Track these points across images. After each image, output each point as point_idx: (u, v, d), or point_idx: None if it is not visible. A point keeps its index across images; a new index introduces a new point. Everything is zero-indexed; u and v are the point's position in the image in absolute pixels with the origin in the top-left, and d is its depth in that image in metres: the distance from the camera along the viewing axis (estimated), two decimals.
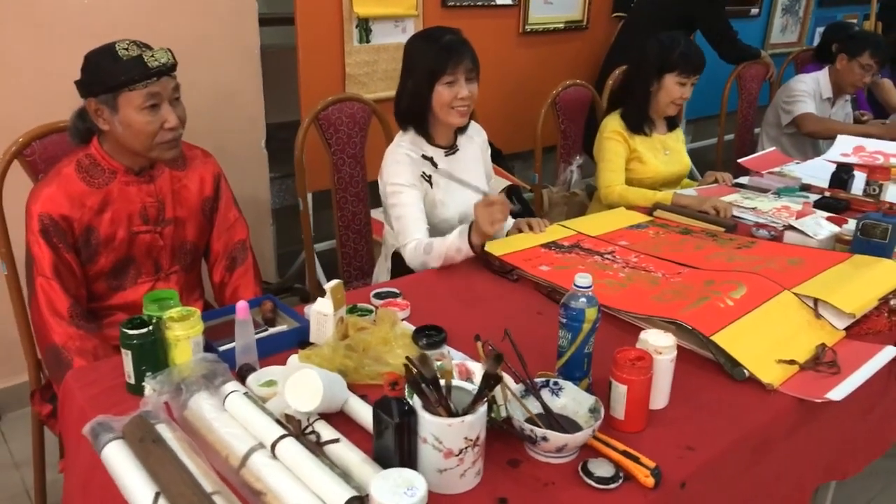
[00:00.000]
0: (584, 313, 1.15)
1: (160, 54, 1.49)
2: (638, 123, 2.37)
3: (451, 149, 1.92)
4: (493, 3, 3.22)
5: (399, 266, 1.81)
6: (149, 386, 1.14)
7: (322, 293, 1.30)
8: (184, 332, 1.18)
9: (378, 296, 1.52)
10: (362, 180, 2.34)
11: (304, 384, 1.06)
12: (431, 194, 1.87)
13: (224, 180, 1.76)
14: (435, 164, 1.87)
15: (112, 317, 1.63)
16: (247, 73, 2.60)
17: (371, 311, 1.44)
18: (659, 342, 1.16)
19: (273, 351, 1.29)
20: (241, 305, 1.21)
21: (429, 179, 1.86)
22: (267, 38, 2.72)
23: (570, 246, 1.79)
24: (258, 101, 2.65)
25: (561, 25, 3.52)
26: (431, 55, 1.78)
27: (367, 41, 2.86)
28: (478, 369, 1.21)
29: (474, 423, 0.96)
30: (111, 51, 1.47)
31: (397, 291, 1.53)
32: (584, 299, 1.15)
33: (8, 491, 2.02)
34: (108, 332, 1.58)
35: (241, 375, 1.20)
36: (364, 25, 2.83)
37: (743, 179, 2.52)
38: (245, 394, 1.09)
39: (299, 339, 1.34)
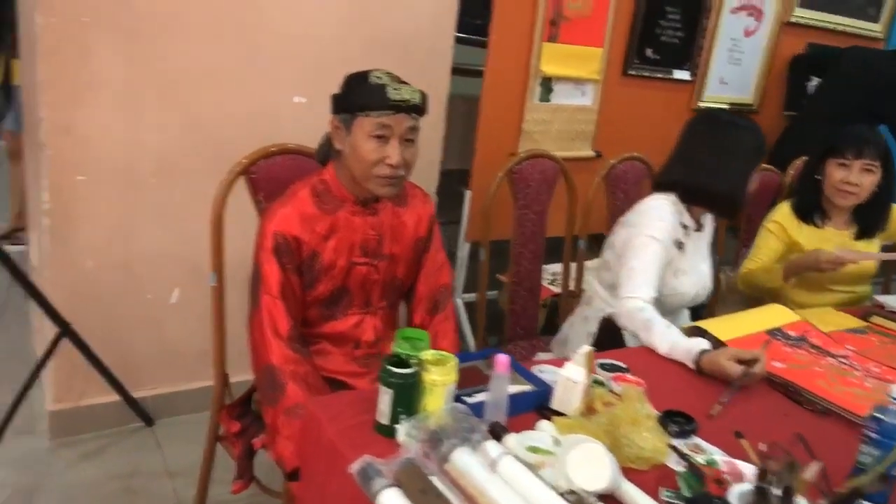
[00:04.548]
0: None
1: (406, 91, 1.48)
2: (807, 212, 2.24)
3: (699, 227, 1.93)
4: (670, 76, 3.18)
5: (607, 333, 1.72)
6: (404, 430, 1.08)
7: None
8: (441, 378, 1.13)
9: (604, 367, 1.43)
10: (542, 238, 2.29)
11: (589, 459, 0.98)
12: (677, 262, 1.83)
13: (437, 223, 1.74)
14: (688, 234, 1.88)
15: (317, 345, 1.61)
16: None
17: (602, 384, 1.35)
18: None
19: (513, 411, 1.22)
20: (503, 359, 1.15)
21: (680, 246, 1.84)
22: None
23: (798, 338, 1.66)
24: (438, 146, 2.66)
25: (733, 106, 3.43)
26: (752, 150, 1.83)
27: (547, 100, 2.85)
28: (749, 471, 1.10)
29: None
30: (365, 75, 1.49)
31: (625, 366, 1.44)
32: None
33: (158, 500, 2.00)
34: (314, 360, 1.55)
35: (494, 433, 1.12)
36: (547, 84, 2.83)
37: None
38: (517, 459, 1.01)
39: (538, 403, 1.26)
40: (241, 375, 1.77)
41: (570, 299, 2.39)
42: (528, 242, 2.26)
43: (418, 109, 1.51)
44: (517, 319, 2.28)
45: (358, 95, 1.47)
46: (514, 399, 1.25)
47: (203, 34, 2.10)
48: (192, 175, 2.19)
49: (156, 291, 2.25)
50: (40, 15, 1.89)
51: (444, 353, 1.16)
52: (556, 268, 2.72)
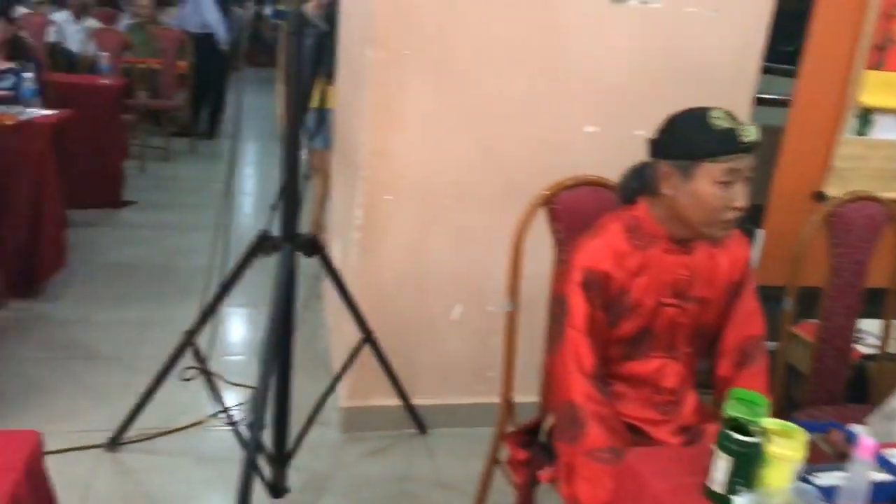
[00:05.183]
0: None
1: (751, 131, 1.38)
2: None
3: None
4: None
5: None
6: None
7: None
8: (788, 453, 1.01)
9: None
10: (860, 291, 2.00)
11: None
12: None
13: (750, 267, 1.59)
14: None
15: (611, 386, 1.54)
16: None
17: None
18: None
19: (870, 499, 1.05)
20: (868, 443, 0.99)
21: None
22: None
23: None
24: None
25: None
26: None
27: (865, 134, 2.52)
28: None
29: None
30: (702, 118, 1.39)
31: None
32: None
33: None
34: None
35: None
36: (865, 116, 2.50)
37: None
38: None
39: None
40: (517, 397, 1.77)
41: (888, 363, 2.06)
42: (842, 295, 1.99)
43: (760, 146, 1.40)
44: (821, 381, 2.02)
45: (702, 141, 1.38)
46: (881, 487, 1.08)
47: (506, 66, 2.17)
48: (483, 200, 2.28)
49: (440, 307, 2.37)
50: (372, 50, 2.09)
51: (790, 424, 1.04)
52: (865, 324, 2.38)
